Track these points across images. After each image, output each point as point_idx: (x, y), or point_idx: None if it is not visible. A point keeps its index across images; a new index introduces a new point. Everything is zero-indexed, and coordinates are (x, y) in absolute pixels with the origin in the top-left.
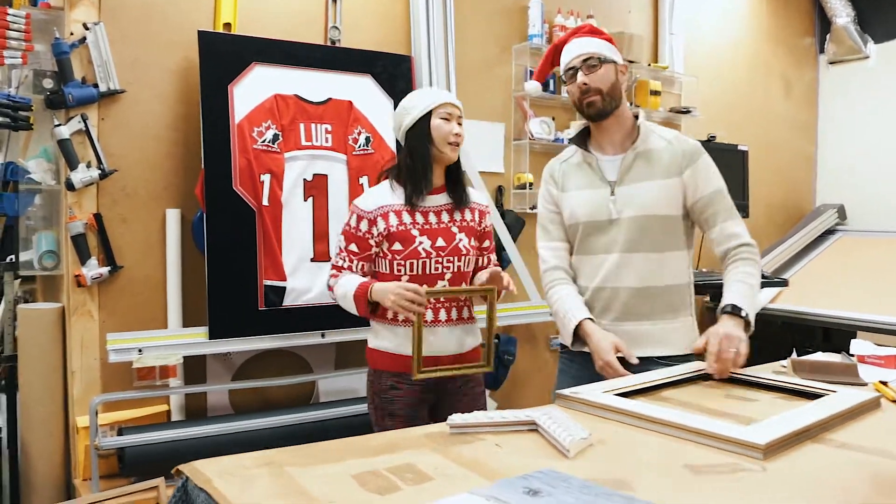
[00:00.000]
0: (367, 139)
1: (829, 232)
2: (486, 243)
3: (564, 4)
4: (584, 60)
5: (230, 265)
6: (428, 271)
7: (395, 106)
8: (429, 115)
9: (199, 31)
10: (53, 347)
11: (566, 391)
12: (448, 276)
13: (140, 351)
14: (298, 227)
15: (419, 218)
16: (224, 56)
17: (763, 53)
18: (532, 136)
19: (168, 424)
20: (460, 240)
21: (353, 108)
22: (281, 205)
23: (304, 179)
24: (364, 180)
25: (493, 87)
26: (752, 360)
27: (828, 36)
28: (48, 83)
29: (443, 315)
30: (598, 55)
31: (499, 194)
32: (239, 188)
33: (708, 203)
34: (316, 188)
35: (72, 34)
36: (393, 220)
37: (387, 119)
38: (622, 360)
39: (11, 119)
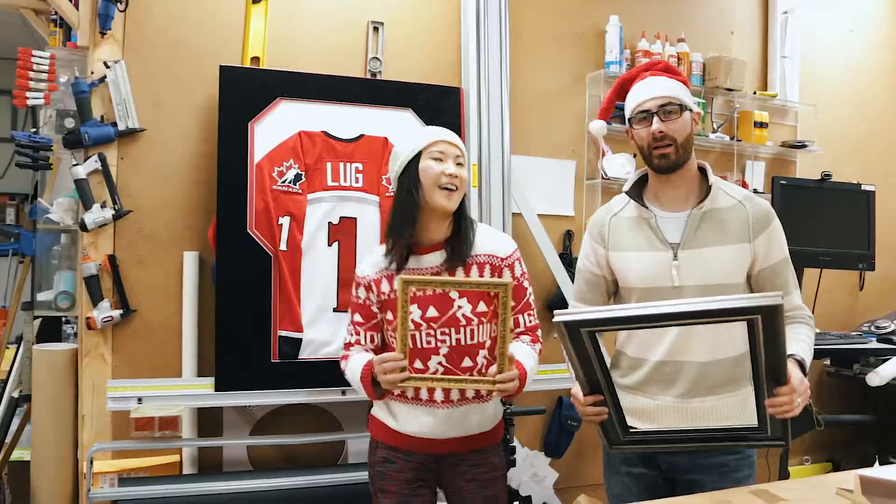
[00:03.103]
0: None
1: None
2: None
3: (650, 26)
4: (662, 106)
5: (241, 313)
6: (420, 345)
7: None
8: (418, 156)
9: (220, 66)
10: (65, 390)
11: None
12: (444, 350)
13: (140, 400)
14: (320, 273)
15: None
16: (246, 92)
17: None
18: (606, 175)
19: (175, 478)
20: (459, 307)
21: (388, 144)
22: (300, 250)
23: (330, 223)
24: None
25: (563, 120)
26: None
27: None
28: (70, 123)
29: (438, 395)
30: (677, 101)
31: (567, 240)
32: (254, 231)
33: (776, 273)
34: (343, 232)
35: (92, 73)
36: (385, 286)
37: None
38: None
39: (32, 159)
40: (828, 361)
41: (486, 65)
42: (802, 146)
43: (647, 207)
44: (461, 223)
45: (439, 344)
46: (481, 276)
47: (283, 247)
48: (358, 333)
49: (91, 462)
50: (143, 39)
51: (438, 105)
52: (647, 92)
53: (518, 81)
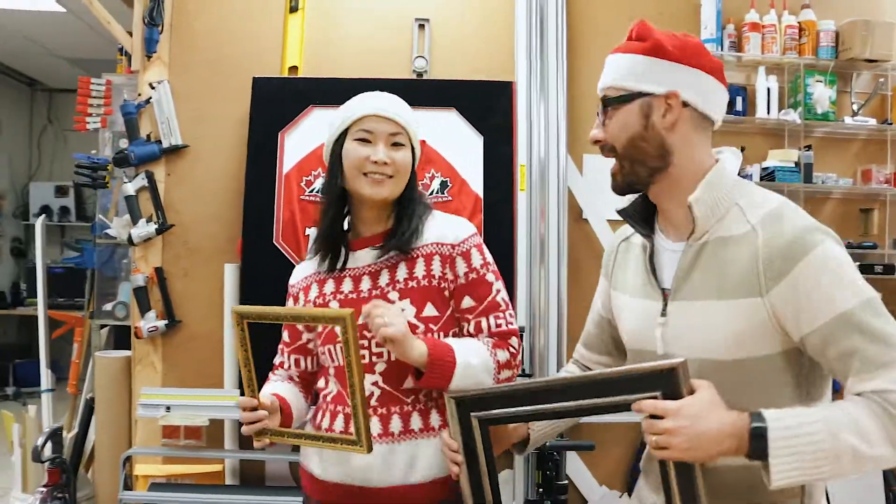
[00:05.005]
0: (444, 184)
1: None
2: (467, 302)
3: None
4: (602, 100)
5: (267, 327)
6: None
7: (486, 142)
8: (344, 135)
9: (253, 78)
10: (122, 394)
11: None
12: (381, 367)
13: (168, 409)
14: None
15: (346, 285)
16: (278, 102)
17: None
18: None
19: (202, 487)
20: (402, 310)
21: (425, 147)
22: None
23: None
24: None
25: None
26: None
27: None
28: (124, 143)
29: (375, 427)
30: (619, 87)
31: None
32: (280, 243)
33: (827, 341)
34: None
35: (139, 95)
36: (314, 292)
37: (474, 159)
38: None
39: (91, 178)
40: None
41: (544, 53)
42: None
43: (648, 234)
44: (403, 211)
45: (375, 359)
46: (428, 268)
47: None
48: (283, 354)
49: (124, 465)
50: (186, 58)
51: (488, 103)
52: (600, 81)
53: (588, 71)
